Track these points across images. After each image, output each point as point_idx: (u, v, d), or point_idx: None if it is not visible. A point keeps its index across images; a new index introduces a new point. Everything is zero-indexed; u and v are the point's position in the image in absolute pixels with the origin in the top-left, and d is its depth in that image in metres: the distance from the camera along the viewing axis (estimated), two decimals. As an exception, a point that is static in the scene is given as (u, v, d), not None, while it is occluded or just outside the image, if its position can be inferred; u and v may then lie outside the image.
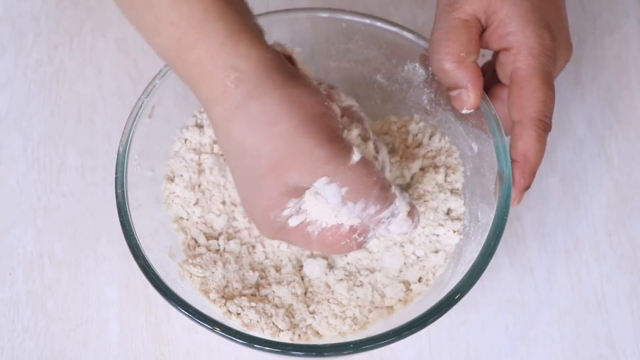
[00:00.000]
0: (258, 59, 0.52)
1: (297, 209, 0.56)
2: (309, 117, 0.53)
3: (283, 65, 0.54)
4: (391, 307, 0.63)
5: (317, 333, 0.62)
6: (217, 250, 0.64)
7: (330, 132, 0.54)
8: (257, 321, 0.61)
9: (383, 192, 0.55)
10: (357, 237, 0.58)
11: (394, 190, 0.56)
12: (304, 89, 0.54)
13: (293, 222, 0.56)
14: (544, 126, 0.59)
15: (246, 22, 0.53)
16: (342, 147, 0.53)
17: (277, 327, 0.61)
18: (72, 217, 0.71)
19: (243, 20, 0.53)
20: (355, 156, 0.53)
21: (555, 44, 0.59)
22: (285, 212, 0.55)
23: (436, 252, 0.64)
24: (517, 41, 0.59)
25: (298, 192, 0.55)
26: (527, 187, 0.60)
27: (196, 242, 0.64)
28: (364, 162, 0.54)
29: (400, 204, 0.56)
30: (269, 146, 0.53)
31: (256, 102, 0.52)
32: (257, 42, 0.53)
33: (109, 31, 0.79)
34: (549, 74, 0.59)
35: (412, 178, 0.67)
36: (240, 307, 0.61)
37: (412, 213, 0.57)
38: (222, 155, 0.65)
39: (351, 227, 0.57)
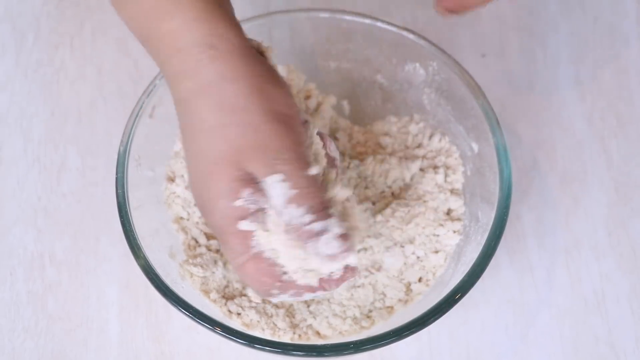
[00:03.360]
0: (236, 42, 0.52)
1: (250, 207, 0.53)
2: (279, 116, 0.52)
3: (258, 57, 0.54)
4: (391, 307, 0.63)
5: (318, 333, 0.62)
6: (218, 250, 0.64)
7: (297, 137, 0.53)
8: (258, 321, 0.61)
9: (323, 205, 0.54)
10: (278, 287, 0.55)
11: (333, 212, 0.54)
12: (280, 89, 0.54)
13: (242, 226, 0.53)
14: None
15: (222, 3, 0.52)
16: (304, 155, 0.53)
17: (277, 327, 0.61)
18: (73, 217, 0.71)
19: (220, 0, 0.52)
20: (314, 169, 0.53)
21: None
22: (238, 203, 0.53)
23: (436, 252, 0.64)
24: None
25: (252, 182, 0.53)
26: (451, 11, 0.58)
27: (196, 242, 0.64)
28: (319, 179, 0.54)
29: (335, 224, 0.54)
30: (235, 131, 0.52)
31: (230, 84, 0.52)
32: (235, 26, 0.52)
33: (110, 31, 0.79)
34: None
35: (411, 178, 0.67)
36: (241, 307, 0.61)
37: (344, 237, 0.54)
38: None
39: (285, 273, 0.55)
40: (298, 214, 0.53)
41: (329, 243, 0.53)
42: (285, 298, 0.55)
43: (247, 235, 0.53)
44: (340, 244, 0.53)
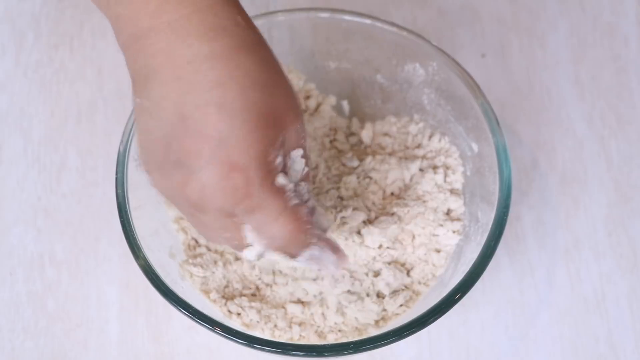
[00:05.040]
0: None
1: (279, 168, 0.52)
2: (270, 114, 0.51)
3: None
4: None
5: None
6: (218, 250, 0.64)
7: (269, 143, 0.51)
8: (257, 321, 0.61)
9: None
10: (317, 235, 0.54)
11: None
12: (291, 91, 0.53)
13: (280, 180, 0.51)
14: None
15: None
16: (272, 165, 0.51)
17: (277, 327, 0.61)
18: (73, 217, 0.71)
19: None
20: (281, 179, 0.51)
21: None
22: (279, 160, 0.51)
23: (436, 252, 0.64)
24: None
25: (282, 147, 0.52)
26: None
27: (196, 242, 0.64)
28: (282, 190, 0.52)
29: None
30: (284, 93, 0.52)
31: (266, 47, 0.52)
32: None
33: (109, 32, 0.78)
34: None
35: (411, 179, 0.67)
36: (241, 307, 0.61)
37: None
38: None
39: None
40: (304, 191, 0.53)
41: (263, 226, 0.52)
42: (316, 253, 0.54)
43: (281, 190, 0.52)
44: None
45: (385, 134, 0.69)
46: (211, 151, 0.49)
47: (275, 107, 0.51)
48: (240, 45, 0.50)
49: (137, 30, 0.50)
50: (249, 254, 0.54)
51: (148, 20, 0.50)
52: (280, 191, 0.52)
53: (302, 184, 0.54)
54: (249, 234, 0.52)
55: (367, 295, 0.62)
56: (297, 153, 0.53)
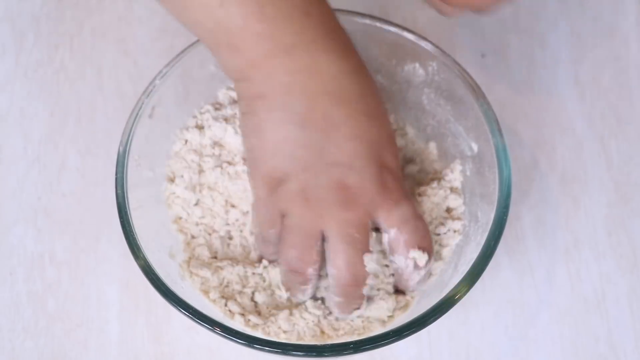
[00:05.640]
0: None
1: None
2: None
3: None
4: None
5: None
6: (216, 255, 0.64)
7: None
8: (258, 322, 0.61)
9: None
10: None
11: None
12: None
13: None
14: None
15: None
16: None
17: (277, 327, 0.61)
18: (73, 217, 0.71)
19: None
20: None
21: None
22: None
23: (436, 252, 0.64)
24: None
25: None
26: None
27: (193, 237, 0.64)
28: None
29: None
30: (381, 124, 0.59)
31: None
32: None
33: (109, 31, 0.79)
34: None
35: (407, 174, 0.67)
36: (241, 307, 0.61)
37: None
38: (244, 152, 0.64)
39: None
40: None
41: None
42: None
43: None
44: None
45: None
46: (367, 152, 0.56)
47: (375, 142, 0.58)
48: (362, 62, 0.59)
49: (277, 45, 0.54)
50: (369, 264, 0.58)
51: (291, 37, 0.55)
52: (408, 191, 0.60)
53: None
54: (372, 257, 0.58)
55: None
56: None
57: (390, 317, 0.61)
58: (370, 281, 0.58)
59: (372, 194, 0.56)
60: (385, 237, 0.58)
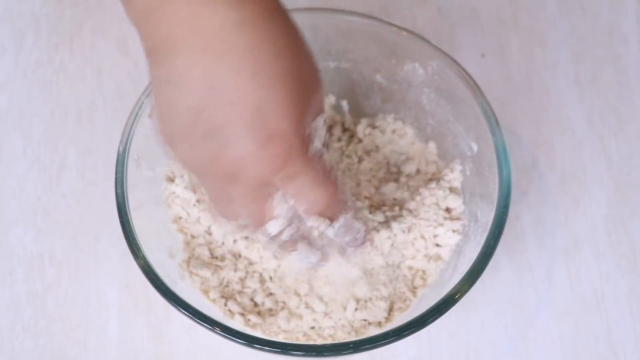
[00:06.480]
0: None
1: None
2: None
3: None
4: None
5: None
6: (216, 256, 0.64)
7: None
8: (258, 321, 0.61)
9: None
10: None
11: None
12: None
13: (313, 149, 0.51)
14: None
15: None
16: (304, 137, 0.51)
17: (278, 327, 0.61)
18: (72, 217, 0.71)
19: None
20: (317, 144, 0.51)
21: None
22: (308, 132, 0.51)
23: (436, 251, 0.64)
24: None
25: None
26: None
27: (194, 237, 0.64)
28: (319, 155, 0.52)
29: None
30: (308, 66, 0.51)
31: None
32: None
33: (109, 31, 0.79)
34: None
35: (408, 175, 0.67)
36: (241, 306, 0.61)
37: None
38: None
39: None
40: (327, 157, 0.53)
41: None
42: (349, 219, 0.55)
43: (318, 155, 0.52)
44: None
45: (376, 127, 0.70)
46: (247, 120, 0.48)
47: (304, 72, 0.50)
48: (266, 11, 0.49)
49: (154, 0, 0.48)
50: (272, 227, 0.53)
51: None
52: (317, 156, 0.51)
53: (324, 149, 0.53)
54: (279, 205, 0.52)
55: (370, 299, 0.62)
56: (321, 119, 0.52)
57: (387, 318, 0.61)
58: (286, 232, 0.54)
59: (255, 171, 0.50)
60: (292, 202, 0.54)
